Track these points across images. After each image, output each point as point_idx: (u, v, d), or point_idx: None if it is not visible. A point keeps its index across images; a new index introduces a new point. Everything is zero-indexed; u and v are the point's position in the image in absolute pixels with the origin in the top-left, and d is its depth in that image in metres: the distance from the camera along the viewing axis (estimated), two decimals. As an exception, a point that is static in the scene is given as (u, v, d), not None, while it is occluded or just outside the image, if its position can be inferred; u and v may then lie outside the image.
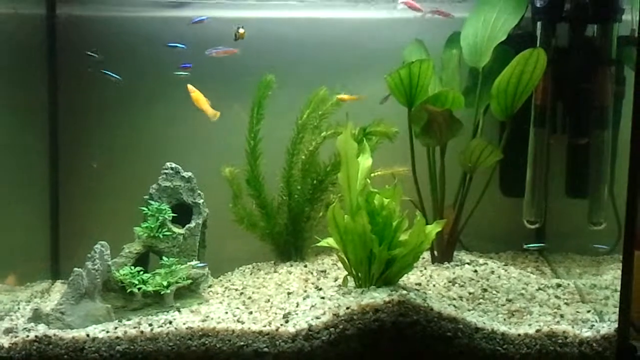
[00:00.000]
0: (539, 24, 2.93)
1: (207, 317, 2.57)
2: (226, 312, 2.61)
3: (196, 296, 2.78)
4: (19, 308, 2.76)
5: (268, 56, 3.13)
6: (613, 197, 2.97)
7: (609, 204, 2.97)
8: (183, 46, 2.88)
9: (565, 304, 2.71)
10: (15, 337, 2.43)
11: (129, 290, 2.65)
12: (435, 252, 3.09)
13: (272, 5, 3.19)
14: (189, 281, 2.75)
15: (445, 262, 3.06)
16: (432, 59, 2.84)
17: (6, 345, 2.40)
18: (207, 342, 2.41)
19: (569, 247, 3.26)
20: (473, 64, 3.01)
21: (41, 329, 2.47)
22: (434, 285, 2.79)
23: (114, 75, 2.84)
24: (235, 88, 3.16)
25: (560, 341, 2.41)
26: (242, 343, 2.41)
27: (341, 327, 2.39)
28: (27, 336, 2.42)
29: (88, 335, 2.42)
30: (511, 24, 2.91)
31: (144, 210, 2.84)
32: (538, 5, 2.90)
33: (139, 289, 2.65)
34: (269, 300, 2.73)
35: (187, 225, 2.87)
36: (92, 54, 2.88)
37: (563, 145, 3.05)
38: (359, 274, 2.68)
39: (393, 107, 2.92)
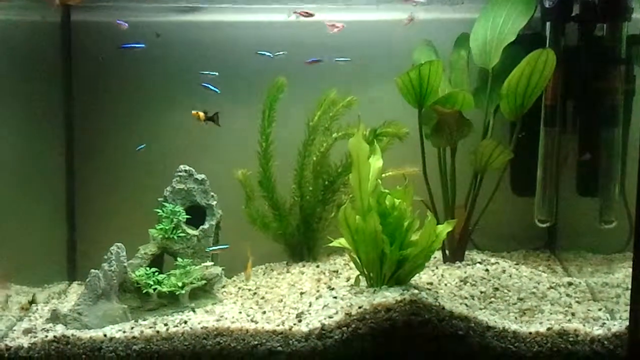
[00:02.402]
0: (548, 24, 2.94)
1: (222, 316, 2.60)
2: (240, 312, 2.65)
3: (210, 296, 2.82)
4: (37, 309, 2.82)
5: (280, 59, 3.17)
6: (624, 195, 2.97)
7: (620, 202, 2.97)
8: (270, 55, 2.96)
9: (577, 302, 2.72)
10: (35, 337, 2.49)
11: (144, 291, 2.70)
12: (447, 252, 3.11)
13: (283, 10, 3.22)
14: (204, 282, 2.79)
15: (457, 262, 3.07)
16: (442, 60, 2.85)
17: (26, 345, 2.45)
18: (221, 341, 2.45)
19: (580, 246, 3.26)
20: (482, 65, 3.03)
21: (59, 329, 2.52)
22: (445, 285, 2.81)
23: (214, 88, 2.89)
24: (247, 91, 3.20)
25: (571, 339, 2.42)
26: (256, 342, 2.44)
27: (353, 326, 2.42)
28: (46, 336, 2.47)
29: (105, 335, 2.46)
30: (520, 24, 2.92)
31: (158, 212, 2.88)
32: (547, 5, 2.91)
33: (155, 289, 2.70)
34: (282, 300, 2.77)
35: (201, 227, 2.91)
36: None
37: (574, 145, 3.06)
38: (371, 274, 2.70)
39: (403, 108, 2.94)
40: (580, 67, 2.94)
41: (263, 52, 2.93)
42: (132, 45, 2.87)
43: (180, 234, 2.86)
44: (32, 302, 2.81)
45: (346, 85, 3.12)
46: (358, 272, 2.75)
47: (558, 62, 2.76)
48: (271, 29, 3.22)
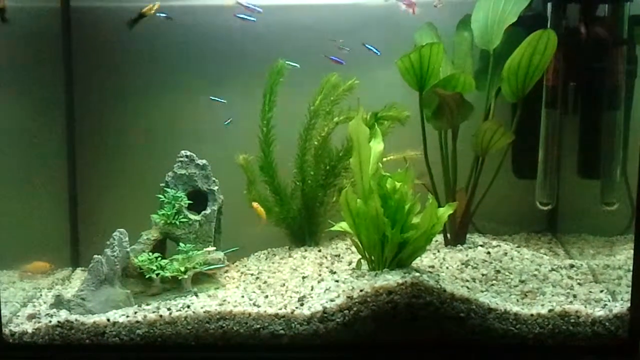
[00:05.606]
0: (549, 4, 2.91)
1: (224, 301, 2.62)
2: (242, 296, 2.66)
3: (213, 281, 2.83)
4: (41, 295, 2.84)
5: (280, 43, 3.15)
6: (626, 177, 2.97)
7: (621, 184, 2.96)
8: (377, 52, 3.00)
9: (578, 284, 2.73)
10: (39, 322, 2.50)
11: (147, 276, 2.71)
12: (448, 235, 3.11)
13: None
14: (206, 266, 2.80)
15: (458, 245, 3.08)
16: (443, 42, 2.84)
17: (30, 330, 2.47)
18: (224, 325, 2.46)
19: (582, 228, 3.27)
20: (484, 47, 3.01)
21: (63, 315, 2.54)
22: (447, 268, 2.82)
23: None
24: (248, 76, 3.19)
25: (573, 321, 2.43)
26: (258, 326, 2.46)
27: (355, 309, 2.43)
28: (50, 322, 2.49)
29: (109, 320, 2.48)
30: (522, 5, 2.90)
31: (160, 197, 2.89)
32: (548, -14, 2.89)
33: (157, 274, 2.71)
34: (284, 285, 2.78)
35: (203, 212, 2.92)
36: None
37: (575, 126, 3.05)
38: (372, 257, 2.71)
39: (404, 91, 2.93)
40: (581, 48, 2.93)
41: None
42: (245, 17, 2.95)
43: (182, 219, 2.87)
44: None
45: (347, 68, 3.11)
46: (360, 256, 2.76)
47: (559, 43, 2.75)
48: (270, 12, 3.20)
